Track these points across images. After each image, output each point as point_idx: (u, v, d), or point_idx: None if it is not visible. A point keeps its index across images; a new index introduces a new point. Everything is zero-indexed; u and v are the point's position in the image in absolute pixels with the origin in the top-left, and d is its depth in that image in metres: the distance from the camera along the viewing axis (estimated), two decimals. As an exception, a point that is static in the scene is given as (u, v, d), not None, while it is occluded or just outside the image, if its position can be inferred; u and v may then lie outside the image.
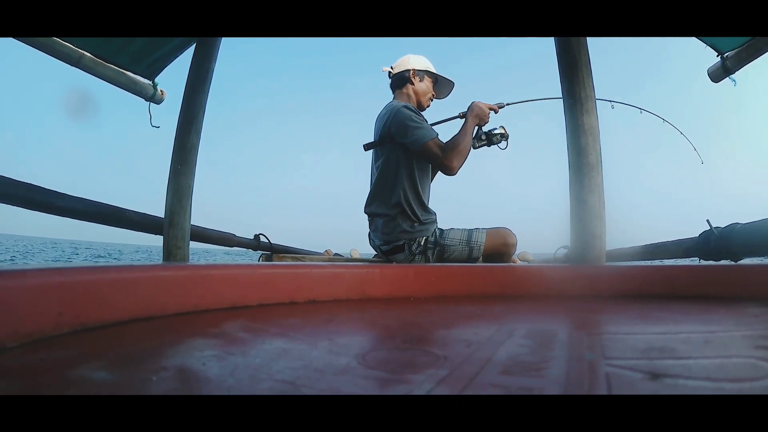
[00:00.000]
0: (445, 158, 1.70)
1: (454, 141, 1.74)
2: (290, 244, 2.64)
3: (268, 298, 0.78)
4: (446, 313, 0.78)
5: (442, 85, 1.98)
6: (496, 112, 1.86)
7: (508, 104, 1.90)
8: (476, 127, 1.82)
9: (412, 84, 1.89)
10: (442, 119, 1.91)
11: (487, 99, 1.91)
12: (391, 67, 1.93)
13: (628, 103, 2.06)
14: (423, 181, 1.80)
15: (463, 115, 1.83)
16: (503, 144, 1.87)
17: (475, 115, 1.80)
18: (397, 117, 1.72)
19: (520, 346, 0.49)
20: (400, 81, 1.90)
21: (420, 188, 1.78)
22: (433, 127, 1.82)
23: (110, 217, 1.85)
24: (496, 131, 1.85)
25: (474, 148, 1.84)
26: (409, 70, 1.88)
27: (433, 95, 1.95)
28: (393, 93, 1.94)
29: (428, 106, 1.95)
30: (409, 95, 1.89)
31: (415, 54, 1.94)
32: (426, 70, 1.90)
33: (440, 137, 1.75)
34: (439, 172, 1.82)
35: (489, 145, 1.87)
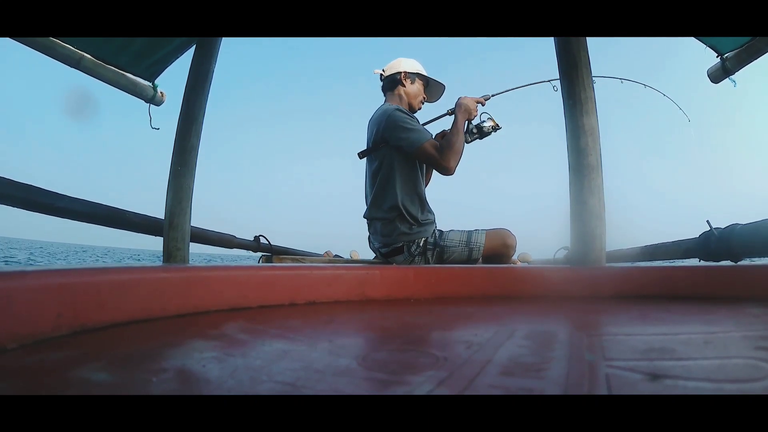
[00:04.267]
0: (442, 159, 1.70)
1: (449, 140, 1.74)
2: (290, 245, 2.64)
3: (268, 300, 0.78)
4: (446, 314, 0.78)
5: (433, 88, 1.99)
6: (482, 105, 1.86)
7: (493, 95, 1.89)
8: (466, 122, 1.83)
9: (404, 86, 1.90)
10: (431, 119, 1.91)
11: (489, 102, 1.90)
12: (383, 70, 1.95)
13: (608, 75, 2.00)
14: (418, 183, 1.81)
15: (451, 112, 1.84)
16: (495, 133, 1.87)
17: (463, 111, 1.80)
18: (390, 120, 1.73)
19: (521, 347, 0.49)
20: (391, 83, 1.92)
21: (416, 190, 1.79)
22: (425, 127, 1.83)
23: (110, 219, 1.85)
24: (485, 123, 1.86)
25: (467, 142, 1.83)
26: (401, 72, 1.89)
27: (424, 98, 1.95)
28: (384, 95, 1.95)
29: (419, 109, 1.95)
30: (400, 97, 1.90)
31: (406, 57, 1.95)
32: (417, 73, 1.92)
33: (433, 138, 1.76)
34: (436, 172, 1.82)
35: (481, 138, 1.87)
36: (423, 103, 1.96)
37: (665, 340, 0.51)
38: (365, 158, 1.89)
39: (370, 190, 1.85)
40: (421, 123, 1.86)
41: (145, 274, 0.66)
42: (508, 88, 1.95)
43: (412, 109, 1.92)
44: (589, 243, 1.22)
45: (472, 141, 1.86)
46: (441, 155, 1.70)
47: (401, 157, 1.76)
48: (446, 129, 1.85)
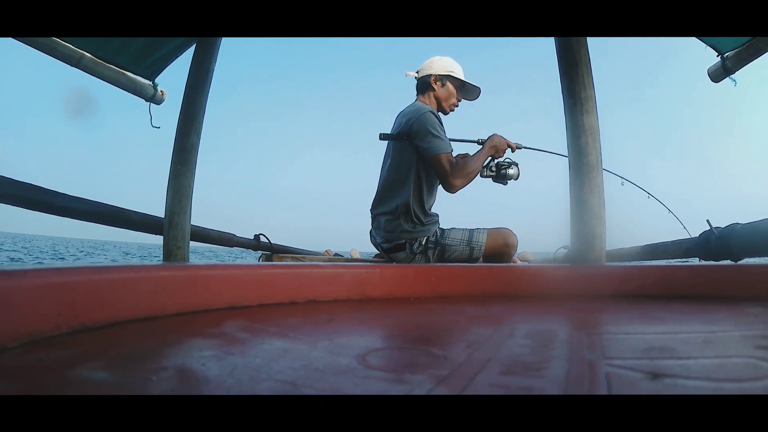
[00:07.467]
0: (451, 175, 1.72)
1: (465, 163, 1.76)
2: (290, 244, 2.64)
3: (268, 298, 0.78)
4: (446, 313, 0.78)
5: (468, 89, 1.96)
6: (512, 150, 1.89)
7: (525, 147, 1.92)
8: (489, 158, 1.84)
9: (434, 90, 1.90)
10: (458, 138, 1.91)
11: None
12: (417, 72, 1.94)
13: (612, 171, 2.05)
14: (431, 184, 1.81)
15: (481, 142, 1.85)
16: (510, 182, 1.88)
17: (492, 146, 1.82)
18: (422, 120, 1.74)
19: (521, 346, 0.49)
20: (423, 86, 1.91)
21: (427, 190, 1.79)
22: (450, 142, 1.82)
23: (110, 217, 1.85)
24: (509, 169, 1.86)
25: (481, 176, 1.85)
26: (431, 75, 1.89)
27: (458, 99, 1.94)
28: (416, 96, 1.94)
29: (451, 111, 1.94)
30: (431, 100, 1.90)
31: (441, 56, 1.93)
32: (448, 75, 1.90)
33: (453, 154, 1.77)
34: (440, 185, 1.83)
35: (496, 179, 1.88)
36: (456, 106, 1.94)
37: (665, 339, 0.51)
38: (385, 150, 1.88)
39: (382, 182, 1.85)
40: (447, 132, 1.83)
41: (145, 272, 0.66)
42: (540, 149, 1.97)
43: (443, 112, 1.92)
44: (590, 242, 1.22)
45: (486, 176, 1.86)
46: (452, 171, 1.71)
47: (419, 157, 1.76)
48: (469, 153, 1.84)
